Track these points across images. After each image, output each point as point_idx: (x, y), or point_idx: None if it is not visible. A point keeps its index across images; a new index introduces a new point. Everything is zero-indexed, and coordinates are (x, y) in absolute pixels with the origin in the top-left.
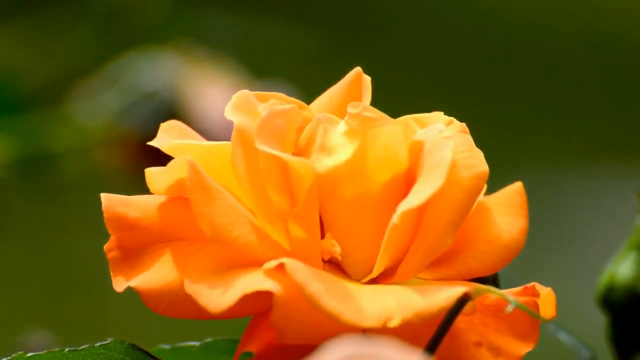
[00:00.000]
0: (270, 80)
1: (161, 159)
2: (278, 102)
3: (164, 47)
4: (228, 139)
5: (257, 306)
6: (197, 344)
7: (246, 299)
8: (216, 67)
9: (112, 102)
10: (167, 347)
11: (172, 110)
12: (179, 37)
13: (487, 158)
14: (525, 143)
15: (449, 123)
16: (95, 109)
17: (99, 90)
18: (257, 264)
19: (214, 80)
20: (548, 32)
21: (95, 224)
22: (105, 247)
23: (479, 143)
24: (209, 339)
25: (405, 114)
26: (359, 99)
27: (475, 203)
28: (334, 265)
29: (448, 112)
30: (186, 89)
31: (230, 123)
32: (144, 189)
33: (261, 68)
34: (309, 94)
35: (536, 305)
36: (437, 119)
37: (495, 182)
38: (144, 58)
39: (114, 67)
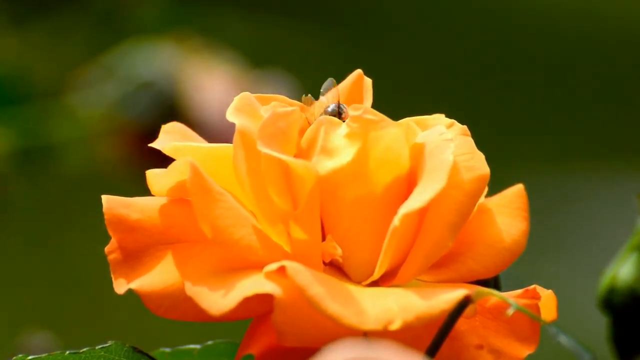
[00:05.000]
0: (268, 70)
1: (160, 151)
2: (280, 105)
3: (163, 37)
4: (226, 128)
5: (258, 309)
6: (197, 346)
7: (247, 302)
8: (214, 57)
9: (110, 92)
10: (167, 350)
11: (170, 100)
12: (178, 27)
13: (488, 160)
14: (526, 144)
15: (450, 125)
16: (94, 99)
17: (97, 81)
18: (258, 266)
19: (212, 70)
20: (549, 33)
21: (95, 216)
22: (106, 249)
23: (479, 145)
24: (209, 342)
25: (406, 116)
26: (360, 101)
27: (476, 205)
28: (335, 268)
29: (448, 114)
30: (184, 79)
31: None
32: (143, 179)
33: (260, 58)
34: (306, 86)
35: (537, 308)
36: (439, 121)
37: (495, 184)
38: (142, 48)
39: (113, 57)
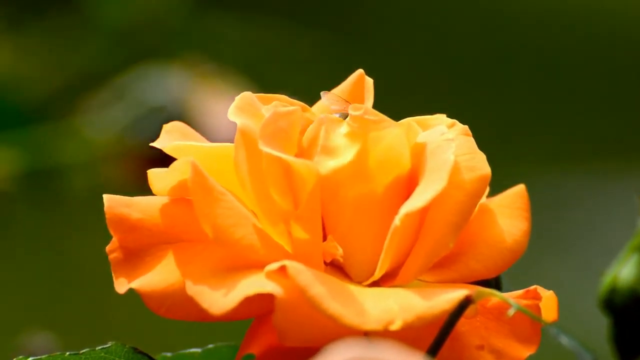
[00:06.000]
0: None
1: None
2: (281, 104)
3: (173, 61)
4: None
5: (259, 308)
6: (198, 350)
7: (248, 301)
8: (224, 82)
9: (120, 115)
10: (169, 354)
11: None
12: (188, 51)
13: (489, 160)
14: (527, 144)
15: (452, 125)
16: (103, 122)
17: (107, 104)
18: (259, 265)
19: (222, 95)
20: (549, 33)
21: (100, 237)
22: (107, 248)
23: (480, 145)
24: (210, 346)
25: (408, 116)
26: (361, 101)
27: (478, 205)
28: (336, 268)
29: (449, 114)
30: (194, 104)
31: None
32: None
33: (269, 82)
34: (306, 91)
35: (538, 309)
36: (440, 121)
37: (496, 184)
38: (152, 72)
39: (123, 80)
